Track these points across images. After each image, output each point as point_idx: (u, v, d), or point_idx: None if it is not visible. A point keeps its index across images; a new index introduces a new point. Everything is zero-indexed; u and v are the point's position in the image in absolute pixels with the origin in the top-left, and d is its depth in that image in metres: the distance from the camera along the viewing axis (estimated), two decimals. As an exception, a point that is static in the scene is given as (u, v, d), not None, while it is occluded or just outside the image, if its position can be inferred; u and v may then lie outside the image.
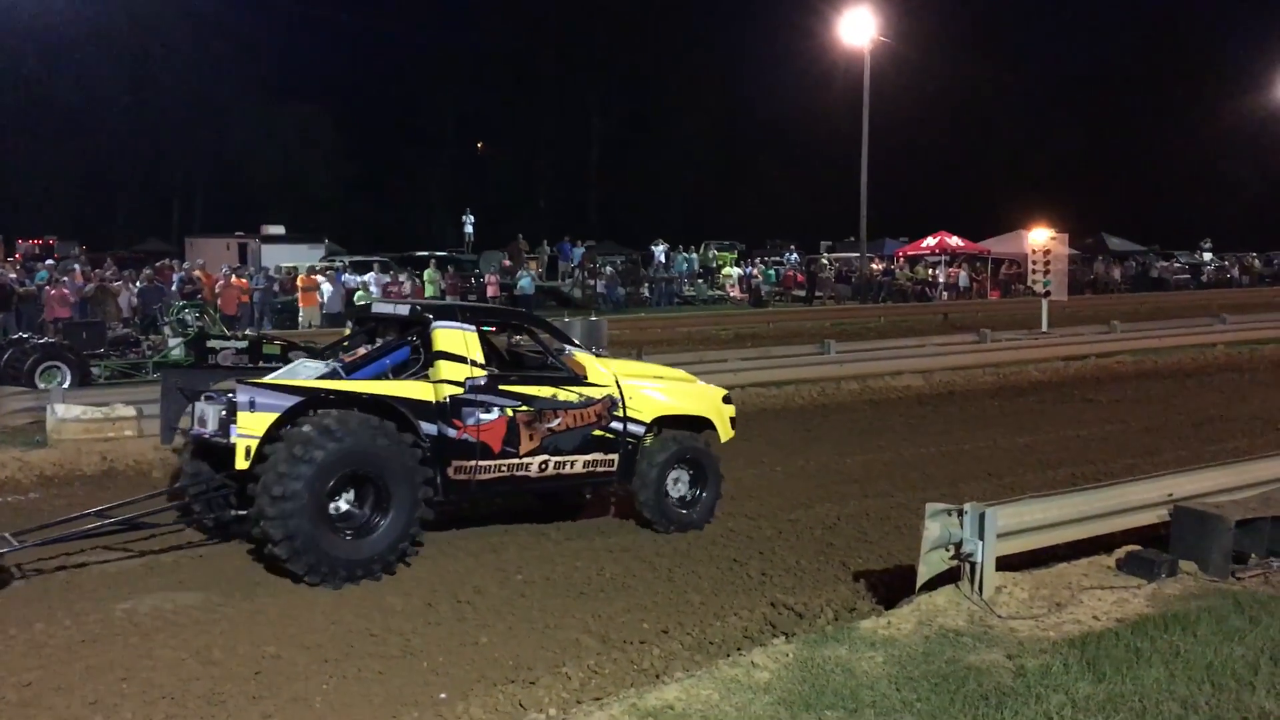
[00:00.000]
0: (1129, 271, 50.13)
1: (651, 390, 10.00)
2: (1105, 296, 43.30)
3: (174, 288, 26.32)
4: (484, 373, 9.03)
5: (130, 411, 13.07)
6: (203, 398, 8.98)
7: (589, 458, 9.53)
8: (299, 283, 29.64)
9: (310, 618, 7.49)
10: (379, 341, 9.65)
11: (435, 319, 9.14)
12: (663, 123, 69.15)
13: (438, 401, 8.76)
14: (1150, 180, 69.52)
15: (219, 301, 24.97)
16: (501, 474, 9.09)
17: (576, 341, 10.41)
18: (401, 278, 32.60)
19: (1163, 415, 16.45)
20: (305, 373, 9.13)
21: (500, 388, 9.07)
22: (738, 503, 10.86)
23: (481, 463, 8.93)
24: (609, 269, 39.60)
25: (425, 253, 39.25)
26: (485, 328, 9.58)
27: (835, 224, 55.18)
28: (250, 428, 7.98)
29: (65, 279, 25.25)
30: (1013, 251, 43.63)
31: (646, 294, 39.26)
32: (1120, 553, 8.13)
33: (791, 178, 69.05)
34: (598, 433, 9.52)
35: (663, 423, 10.01)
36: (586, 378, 9.61)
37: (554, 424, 9.26)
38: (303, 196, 60.06)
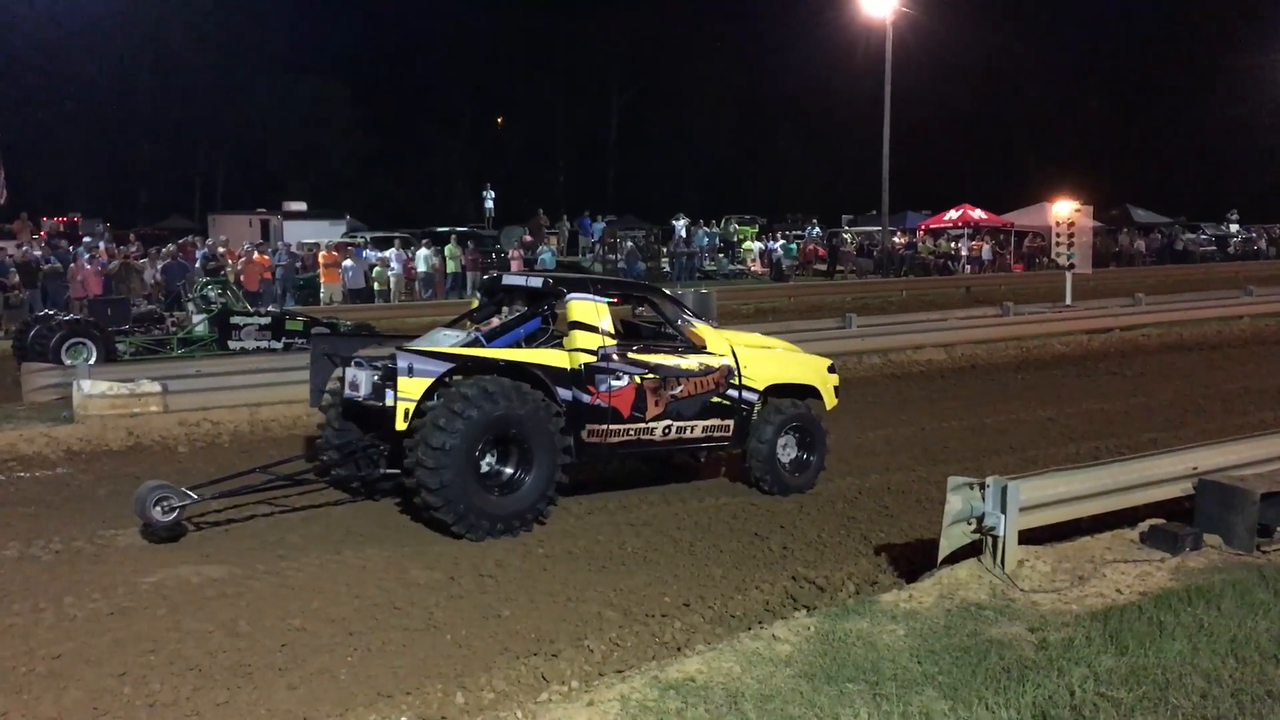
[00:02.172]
0: (1154, 244, 49.63)
1: (764, 359, 10.46)
2: (1130, 269, 42.91)
3: (197, 264, 26.45)
4: (615, 342, 9.52)
5: (156, 387, 13.18)
6: (352, 363, 9.37)
7: (708, 423, 9.99)
8: (321, 259, 29.72)
9: (335, 591, 7.55)
10: (507, 311, 10.10)
11: (570, 291, 9.61)
12: (682, 96, 68.77)
13: (573, 369, 9.29)
14: (1176, 151, 68.67)
15: (241, 278, 25.07)
16: (629, 437, 9.60)
17: (695, 313, 10.72)
18: (422, 253, 32.60)
19: (1187, 388, 16.33)
20: (445, 340, 9.53)
21: (629, 356, 9.55)
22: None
23: (612, 426, 9.45)
24: (629, 244, 39.51)
25: (446, 228, 39.28)
26: (611, 299, 9.94)
27: (857, 197, 54.82)
28: (409, 391, 8.50)
29: (88, 255, 25.39)
30: (1036, 224, 43.29)
31: (667, 269, 39.18)
32: (1144, 526, 8.12)
33: (812, 151, 68.71)
34: (716, 399, 9.98)
35: (773, 391, 10.39)
36: (706, 347, 10.05)
37: (677, 390, 9.74)
38: (322, 173, 60.28)
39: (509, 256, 34.67)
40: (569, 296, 9.54)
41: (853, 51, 49.97)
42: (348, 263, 29.41)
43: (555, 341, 9.56)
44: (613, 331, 9.60)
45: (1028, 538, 7.56)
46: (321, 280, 29.00)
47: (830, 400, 10.88)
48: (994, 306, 23.61)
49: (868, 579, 8.02)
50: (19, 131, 47.19)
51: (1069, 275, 25.93)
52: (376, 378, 9.00)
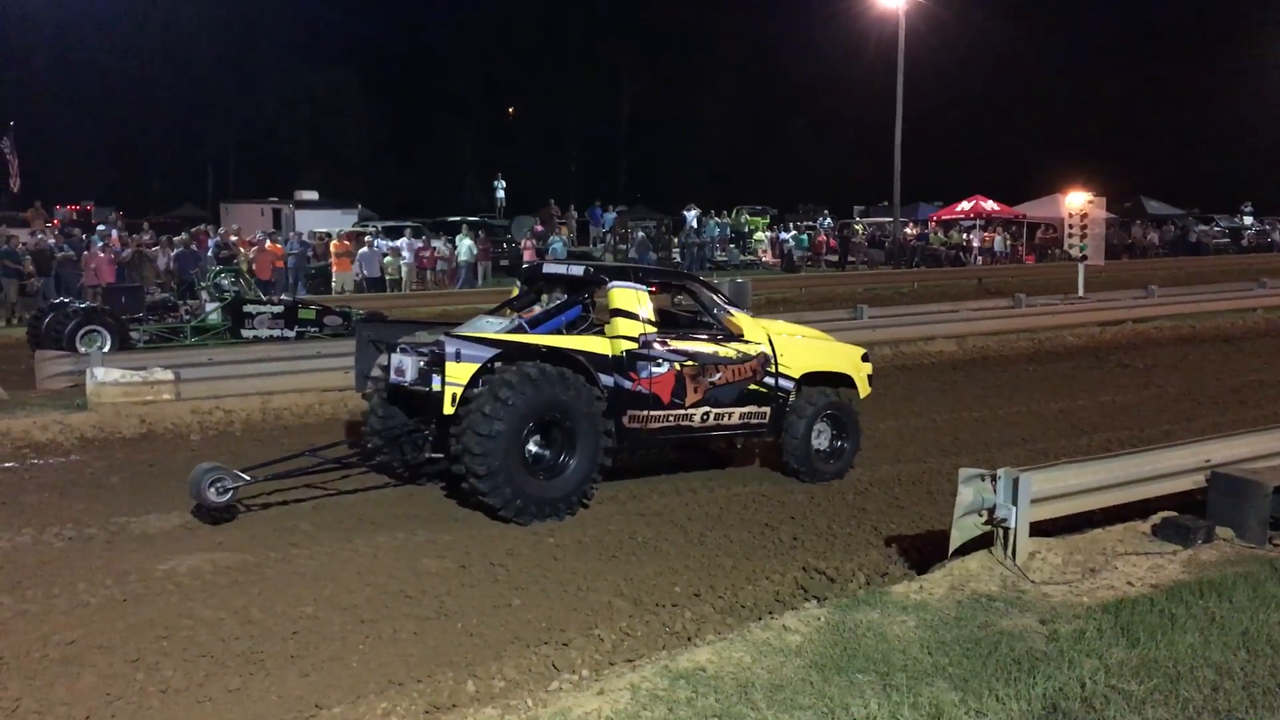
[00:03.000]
0: (1167, 235, 49.43)
1: (800, 348, 10.62)
2: (1143, 261, 42.76)
3: (210, 253, 26.51)
4: (655, 330, 9.69)
5: (168, 375, 13.22)
6: (398, 349, 9.50)
7: (745, 410, 10.15)
8: (333, 248, 29.77)
9: (346, 579, 7.58)
10: (546, 299, 10.35)
11: (611, 279, 9.82)
12: (693, 85, 68.56)
13: (614, 355, 9.48)
14: (1190, 143, 68.31)
15: (254, 267, 25.13)
16: (669, 424, 9.76)
17: (734, 301, 10.88)
18: (435, 243, 32.62)
19: (1200, 381, 16.28)
20: (489, 327, 9.69)
21: (669, 343, 9.71)
22: (769, 467, 10.90)
23: (653, 413, 9.63)
24: (640, 234, 39.45)
25: (457, 218, 39.27)
26: (650, 287, 10.07)
27: (868, 188, 54.77)
28: (457, 376, 8.68)
29: (101, 244, 25.48)
30: (1049, 215, 43.16)
31: (678, 259, 39.12)
32: (1156, 519, 8.10)
33: (824, 141, 68.53)
34: (753, 387, 10.16)
35: (809, 379, 10.56)
36: (743, 335, 10.21)
37: (715, 378, 9.90)
38: (334, 161, 60.27)
39: (520, 246, 34.68)
40: (611, 284, 9.73)
41: (865, 42, 49.81)
42: (364, 250, 29.49)
43: (596, 329, 9.76)
44: (653, 319, 9.75)
45: (1039, 530, 7.55)
46: (333, 269, 29.06)
47: (864, 389, 11.04)
48: (1006, 298, 23.54)
49: (878, 570, 8.02)
50: (32, 120, 47.42)
51: (1081, 267, 25.83)
52: (423, 363, 9.15)
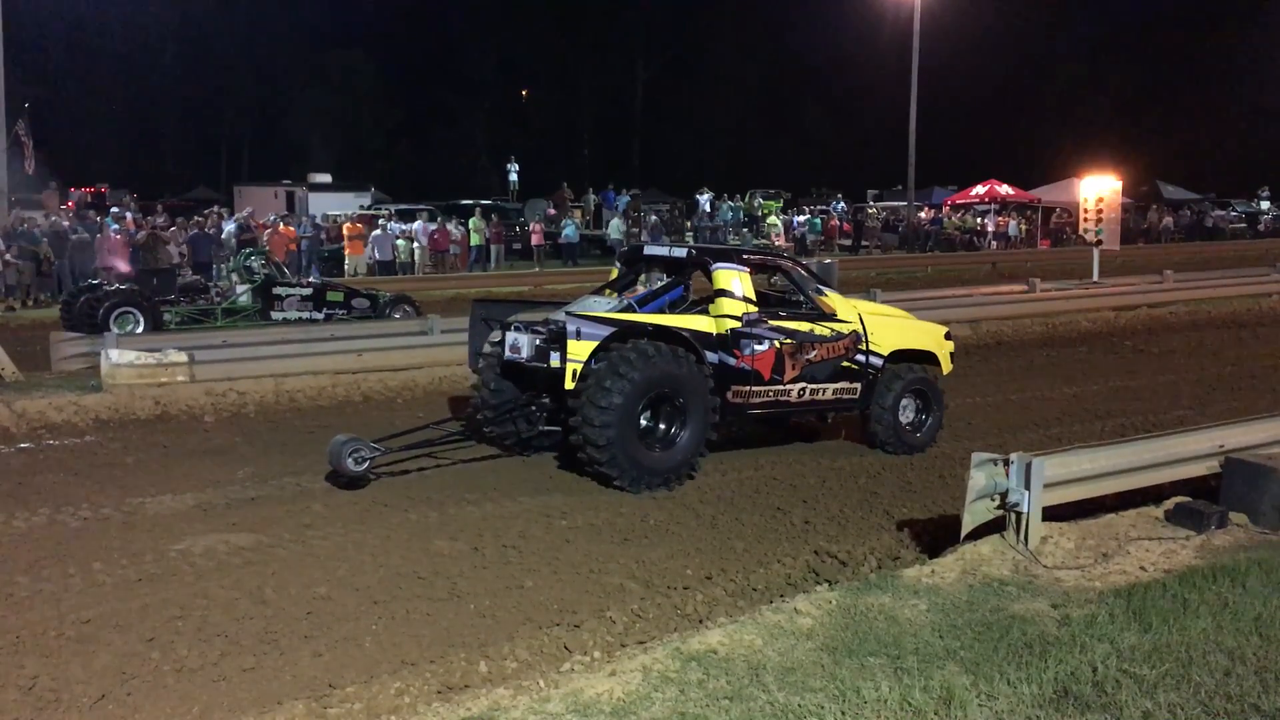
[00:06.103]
0: (1183, 220, 49.10)
1: (889, 327, 11.06)
2: (1158, 246, 42.51)
3: (224, 235, 26.57)
4: (756, 309, 10.08)
5: (182, 357, 13.27)
6: (512, 328, 9.76)
7: (838, 386, 10.58)
8: (346, 231, 29.81)
9: (360, 560, 7.61)
10: (646, 279, 10.75)
11: (715, 261, 10.23)
12: (707, 68, 68.32)
13: (719, 334, 9.89)
14: (1207, 128, 67.74)
15: (268, 249, 25.15)
16: (769, 399, 10.18)
17: (824, 281, 11.17)
18: (448, 226, 32.62)
19: (1215, 366, 16.20)
20: (599, 307, 10.02)
21: (769, 322, 10.12)
22: (781, 451, 10.92)
23: (754, 388, 10.05)
24: (653, 217, 39.38)
25: (470, 201, 39.25)
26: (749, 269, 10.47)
27: (882, 172, 54.48)
28: (578, 353, 9.10)
29: (115, 226, 25.55)
30: (1064, 200, 42.90)
31: (691, 243, 39.02)
32: (1169, 504, 8.07)
33: (838, 125, 68.18)
34: (845, 364, 10.60)
35: (895, 356, 10.97)
36: (836, 314, 10.63)
37: (811, 355, 10.34)
38: (347, 144, 60.28)
39: (532, 230, 34.70)
40: (715, 266, 10.11)
41: (880, 25, 49.53)
42: (376, 233, 29.52)
43: (699, 308, 10.16)
44: (754, 299, 10.11)
45: (1052, 514, 7.53)
46: (346, 252, 29.10)
47: (946, 366, 11.44)
48: (1020, 283, 23.45)
49: (890, 554, 8.02)
50: (48, 103, 47.49)
51: (1096, 251, 25.72)
52: (539, 340, 9.46)
